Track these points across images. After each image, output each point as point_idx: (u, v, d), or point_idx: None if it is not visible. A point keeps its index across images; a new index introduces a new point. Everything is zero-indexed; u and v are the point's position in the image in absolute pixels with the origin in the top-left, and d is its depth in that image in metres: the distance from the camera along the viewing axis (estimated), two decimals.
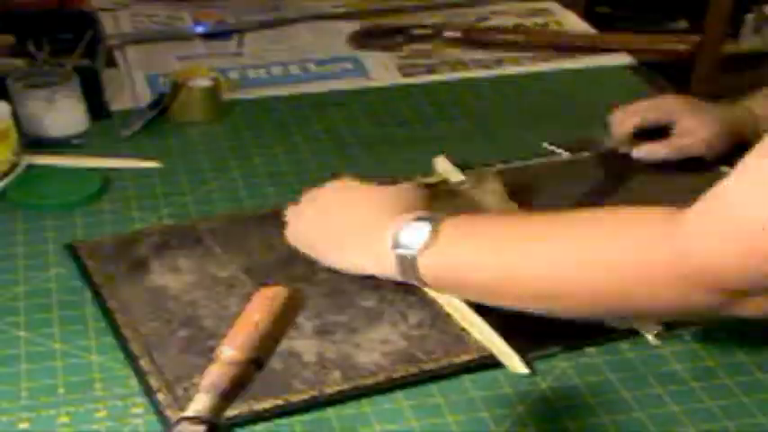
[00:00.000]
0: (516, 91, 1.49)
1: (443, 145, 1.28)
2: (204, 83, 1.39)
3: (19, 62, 1.45)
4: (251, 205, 1.18)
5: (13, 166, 1.23)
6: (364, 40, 1.63)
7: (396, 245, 0.95)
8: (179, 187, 1.22)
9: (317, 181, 1.21)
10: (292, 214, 1.06)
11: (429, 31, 1.65)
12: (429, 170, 1.22)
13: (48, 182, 1.23)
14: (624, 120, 1.25)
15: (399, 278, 0.97)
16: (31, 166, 1.25)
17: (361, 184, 1.05)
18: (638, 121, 1.24)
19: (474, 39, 1.60)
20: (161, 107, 1.38)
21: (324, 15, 1.77)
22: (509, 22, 1.75)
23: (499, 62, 1.58)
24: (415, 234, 0.94)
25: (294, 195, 1.18)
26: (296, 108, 1.43)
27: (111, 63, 1.55)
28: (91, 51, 1.45)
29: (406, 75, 1.55)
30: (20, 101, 1.31)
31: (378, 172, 1.22)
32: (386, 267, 0.97)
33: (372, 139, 1.33)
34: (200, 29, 1.71)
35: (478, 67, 1.57)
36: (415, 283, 0.96)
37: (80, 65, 1.39)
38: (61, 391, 0.90)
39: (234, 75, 1.54)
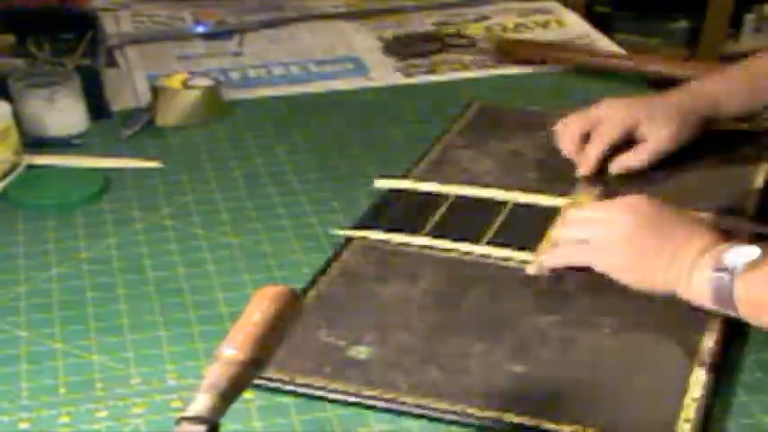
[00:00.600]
0: (516, 90, 1.48)
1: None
2: (194, 86, 1.38)
3: (19, 62, 1.45)
4: (252, 205, 1.18)
5: (14, 165, 1.23)
6: (397, 47, 1.63)
7: (718, 267, 0.90)
8: (179, 187, 1.22)
9: (318, 181, 1.22)
10: (598, 230, 1.01)
11: (463, 42, 1.64)
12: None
13: (48, 182, 1.23)
14: (589, 153, 1.19)
15: (709, 303, 0.91)
16: (31, 166, 1.25)
17: (658, 206, 1.00)
18: (603, 150, 1.19)
19: (505, 50, 1.59)
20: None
21: (324, 15, 1.77)
22: (509, 21, 1.75)
23: (499, 62, 1.58)
24: (741, 256, 0.90)
25: (295, 196, 1.19)
26: (296, 108, 1.43)
27: (112, 63, 1.55)
28: (91, 51, 1.45)
29: (406, 75, 1.55)
30: (20, 101, 1.31)
31: (378, 172, 1.23)
32: (698, 292, 0.92)
33: (372, 138, 1.33)
34: (200, 29, 1.71)
35: (478, 67, 1.57)
36: (728, 311, 0.90)
37: (80, 65, 1.39)
38: (62, 391, 0.90)
39: (234, 75, 1.54)
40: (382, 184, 1.19)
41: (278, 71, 1.56)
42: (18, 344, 0.96)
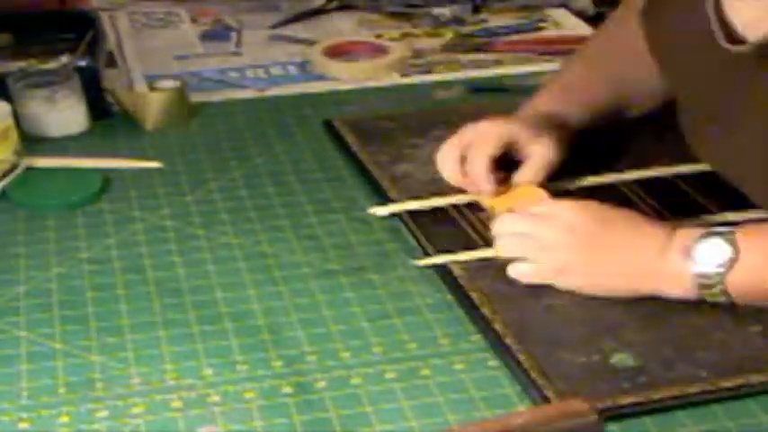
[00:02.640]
0: (516, 90, 1.48)
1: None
2: (164, 87, 1.38)
3: (19, 62, 1.45)
4: (252, 205, 1.18)
5: (14, 165, 1.23)
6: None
7: (692, 263, 0.93)
8: (179, 187, 1.22)
9: (318, 181, 1.22)
10: (534, 251, 1.00)
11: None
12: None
13: (48, 182, 1.23)
14: (471, 174, 1.13)
15: (690, 296, 0.94)
16: (31, 167, 1.25)
17: (591, 203, 1.01)
18: (486, 166, 1.12)
19: None
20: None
21: (320, 9, 1.77)
22: (507, 21, 1.74)
23: (499, 62, 1.58)
24: (712, 251, 0.93)
25: (295, 196, 1.19)
26: (296, 108, 1.43)
27: (112, 63, 1.55)
28: (91, 51, 1.45)
29: (405, 75, 1.55)
30: (20, 101, 1.31)
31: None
32: (674, 286, 0.95)
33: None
34: (198, 29, 1.71)
35: (477, 67, 1.57)
36: (719, 300, 0.94)
37: (80, 65, 1.39)
38: (62, 390, 0.90)
39: (233, 74, 1.54)
40: (380, 210, 1.16)
41: (276, 71, 1.56)
42: (18, 344, 0.96)
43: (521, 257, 1.00)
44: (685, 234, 0.95)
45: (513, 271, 1.01)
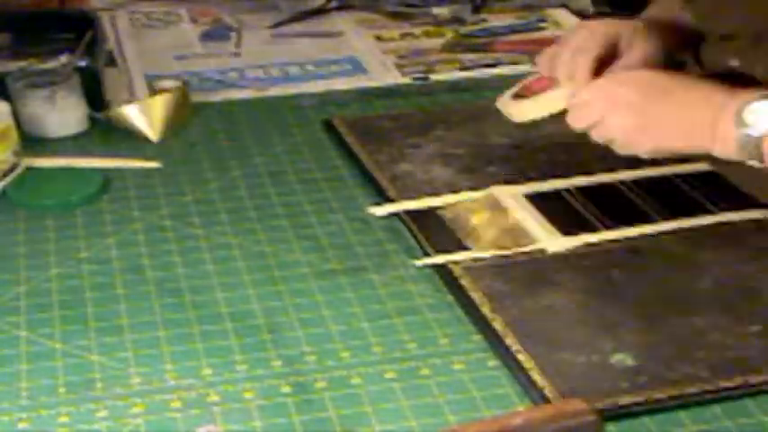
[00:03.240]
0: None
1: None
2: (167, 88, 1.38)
3: (19, 62, 1.45)
4: (252, 205, 1.18)
5: (14, 165, 1.23)
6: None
7: (740, 124, 0.96)
8: (179, 187, 1.22)
9: (318, 181, 1.22)
10: (606, 113, 1.04)
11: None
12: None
13: (48, 182, 1.23)
14: (578, 62, 1.13)
15: (736, 157, 0.98)
16: (31, 167, 1.25)
17: (647, 72, 1.07)
18: (593, 58, 1.14)
19: None
20: None
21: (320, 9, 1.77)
22: (506, 21, 1.75)
23: (498, 62, 1.58)
24: (761, 113, 0.95)
25: (295, 196, 1.19)
26: (296, 108, 1.43)
27: (112, 63, 1.55)
28: (91, 51, 1.45)
29: (405, 75, 1.55)
30: (20, 101, 1.31)
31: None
32: (725, 147, 0.98)
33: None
34: (198, 29, 1.71)
35: (477, 67, 1.57)
36: (755, 162, 0.97)
37: (80, 65, 1.39)
38: (61, 390, 0.90)
39: (233, 74, 1.54)
40: (379, 210, 1.16)
41: (276, 71, 1.56)
42: (18, 344, 0.96)
43: (592, 125, 1.05)
44: (740, 98, 0.97)
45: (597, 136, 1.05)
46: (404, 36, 1.69)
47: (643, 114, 1.02)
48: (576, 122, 1.07)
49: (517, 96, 1.19)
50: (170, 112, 1.35)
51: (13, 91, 1.31)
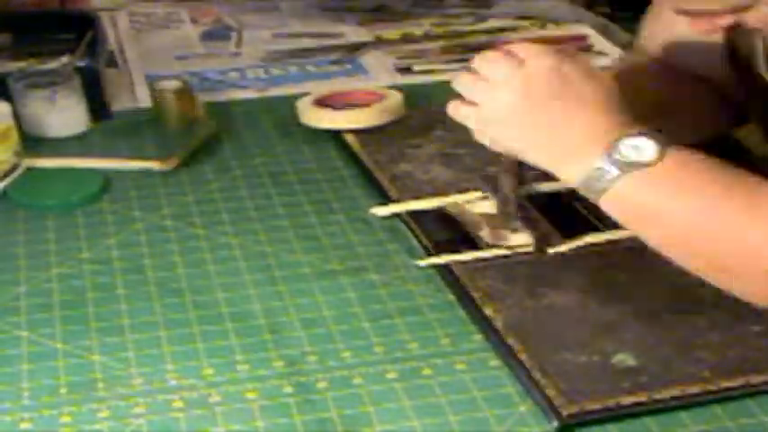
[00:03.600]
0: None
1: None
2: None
3: (19, 62, 1.45)
4: (252, 205, 1.18)
5: (14, 166, 1.23)
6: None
7: (609, 156, 0.87)
8: (180, 187, 1.22)
9: (318, 181, 1.22)
10: (481, 92, 0.95)
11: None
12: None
13: (48, 182, 1.23)
14: None
15: (580, 188, 0.91)
16: (31, 167, 1.25)
17: (567, 64, 0.93)
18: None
19: None
20: None
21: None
22: (506, 23, 1.75)
23: None
24: (632, 150, 0.87)
25: (295, 196, 1.19)
26: (296, 108, 1.43)
27: (112, 63, 1.55)
28: (91, 51, 1.45)
29: (405, 75, 1.55)
30: (20, 101, 1.31)
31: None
32: (571, 173, 0.91)
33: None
34: (198, 29, 1.71)
35: None
36: (592, 198, 0.90)
37: (80, 65, 1.39)
38: (63, 391, 0.90)
39: (233, 74, 1.55)
40: (381, 211, 1.16)
41: (277, 71, 1.56)
42: (19, 344, 0.96)
43: (467, 95, 0.97)
44: (620, 128, 0.89)
45: (453, 109, 0.97)
46: (404, 36, 1.69)
47: (533, 105, 0.93)
48: (460, 79, 0.98)
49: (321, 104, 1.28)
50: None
51: (13, 91, 1.31)
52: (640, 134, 0.88)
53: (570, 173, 0.92)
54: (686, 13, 0.93)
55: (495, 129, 0.96)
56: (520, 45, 0.96)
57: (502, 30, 1.71)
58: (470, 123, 0.98)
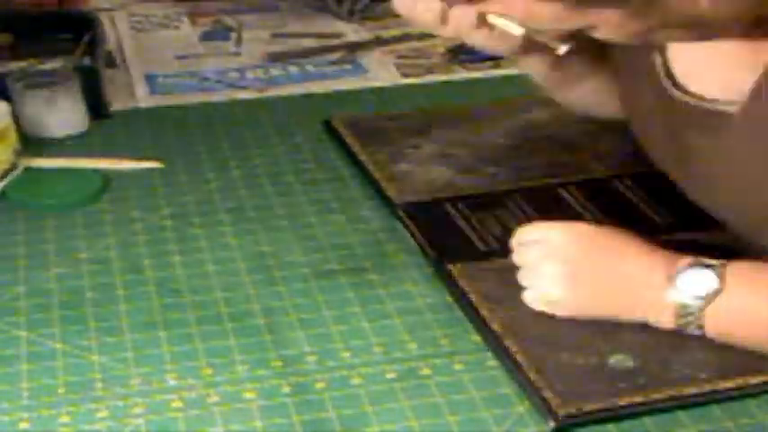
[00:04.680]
0: (516, 91, 1.48)
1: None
2: None
3: (19, 62, 1.45)
4: (252, 205, 1.18)
5: (14, 166, 1.23)
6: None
7: (675, 291, 0.91)
8: (179, 188, 1.22)
9: (318, 181, 1.23)
10: (527, 275, 0.98)
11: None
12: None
13: (48, 182, 1.23)
14: None
15: (671, 326, 0.92)
16: (31, 167, 1.25)
17: (590, 226, 1.01)
18: None
19: None
20: None
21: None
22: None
23: (497, 63, 1.58)
24: (697, 281, 0.90)
25: (295, 196, 1.19)
26: (296, 108, 1.43)
27: (112, 63, 1.55)
28: (91, 51, 1.45)
29: (405, 75, 1.55)
30: (20, 101, 1.31)
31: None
32: (659, 314, 0.92)
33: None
34: (198, 29, 1.71)
35: (478, 68, 1.57)
36: (693, 331, 0.91)
37: (80, 65, 1.39)
38: (62, 391, 0.90)
39: (233, 75, 1.55)
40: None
41: (276, 71, 1.56)
42: (18, 344, 0.96)
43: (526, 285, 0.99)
44: (672, 262, 0.92)
45: (526, 298, 0.99)
46: (404, 36, 1.69)
47: (576, 265, 0.96)
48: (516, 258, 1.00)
49: None
50: None
51: (12, 91, 1.31)
52: (691, 266, 0.91)
53: (651, 315, 0.93)
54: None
55: (560, 303, 0.96)
56: (530, 229, 1.00)
57: None
58: (542, 307, 0.97)
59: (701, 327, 0.91)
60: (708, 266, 0.91)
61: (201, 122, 1.39)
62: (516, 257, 1.00)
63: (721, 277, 0.90)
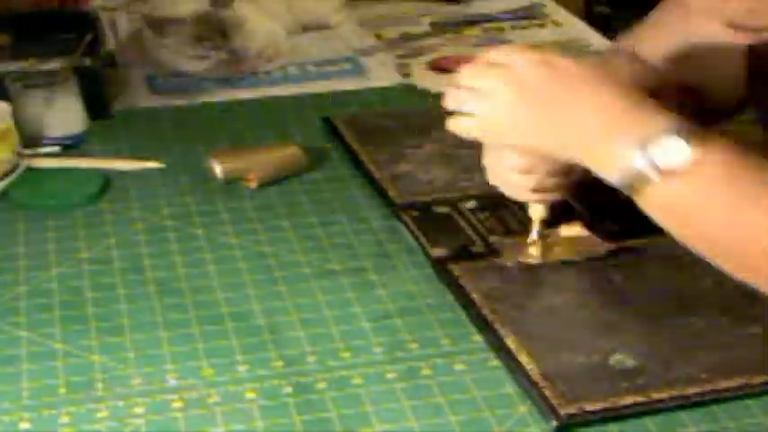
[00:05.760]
0: None
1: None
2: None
3: (19, 62, 1.44)
4: (252, 206, 1.18)
5: (14, 166, 1.23)
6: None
7: (639, 158, 0.83)
8: (180, 188, 1.22)
9: (318, 181, 1.23)
10: (477, 103, 0.92)
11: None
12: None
13: (48, 182, 1.23)
14: None
15: (615, 183, 0.86)
16: (31, 167, 1.25)
17: (563, 58, 0.90)
18: None
19: None
20: None
21: None
22: (504, 22, 1.75)
23: None
24: (666, 153, 0.82)
25: (295, 196, 1.19)
26: (296, 108, 1.43)
27: (112, 63, 1.55)
28: (91, 51, 1.45)
29: (405, 75, 1.55)
30: (19, 101, 1.31)
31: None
32: (610, 169, 0.86)
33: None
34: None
35: None
36: (628, 193, 0.86)
37: (80, 65, 1.39)
38: (62, 391, 0.90)
39: (233, 74, 1.54)
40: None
41: (276, 71, 1.56)
42: (19, 344, 0.96)
43: (463, 109, 0.93)
44: (647, 121, 0.85)
45: (453, 125, 0.94)
46: (404, 36, 1.69)
47: (535, 97, 0.89)
48: (451, 96, 0.95)
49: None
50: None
51: (12, 91, 1.31)
52: (667, 133, 0.84)
53: (599, 163, 0.88)
54: (739, 27, 0.92)
55: (502, 133, 0.93)
56: (497, 51, 0.94)
57: (501, 29, 1.71)
58: (475, 134, 0.95)
59: (638, 193, 0.85)
60: (680, 135, 0.83)
61: (201, 122, 1.39)
62: (468, 77, 0.93)
63: (694, 158, 0.82)
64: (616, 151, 0.86)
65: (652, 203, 0.86)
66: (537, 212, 1.05)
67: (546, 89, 0.90)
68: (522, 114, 0.91)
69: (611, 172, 0.87)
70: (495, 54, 0.94)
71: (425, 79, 1.48)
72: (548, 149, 0.93)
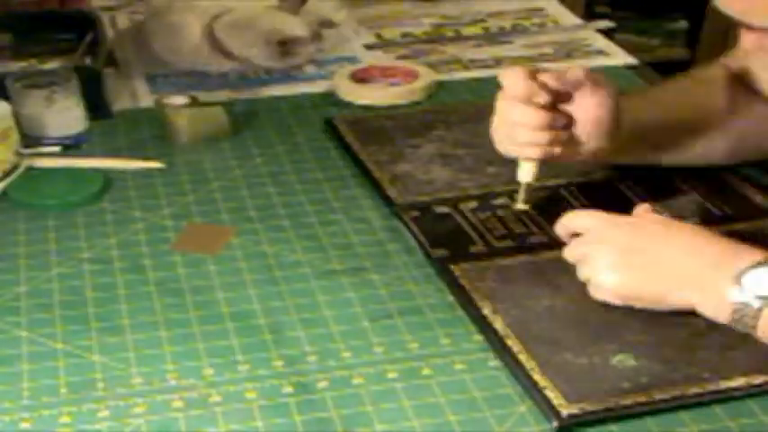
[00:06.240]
0: None
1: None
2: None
3: (19, 62, 1.45)
4: (252, 205, 1.18)
5: (14, 166, 1.23)
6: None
7: (739, 290, 0.90)
8: (180, 187, 1.22)
9: (318, 181, 1.23)
10: (589, 262, 0.98)
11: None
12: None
13: (49, 182, 1.23)
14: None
15: (726, 322, 0.91)
16: (31, 167, 1.25)
17: (656, 217, 1.00)
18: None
19: None
20: None
21: None
22: (505, 22, 1.75)
23: (498, 62, 1.58)
24: (762, 281, 0.89)
25: (295, 196, 1.19)
26: (297, 108, 1.43)
27: (112, 63, 1.55)
28: (91, 51, 1.45)
29: None
30: (20, 101, 1.31)
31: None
32: (717, 311, 0.92)
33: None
34: None
35: (478, 67, 1.57)
36: (743, 329, 0.91)
37: (80, 65, 1.39)
38: (63, 390, 0.90)
39: (233, 74, 1.54)
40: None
41: (276, 71, 1.56)
42: (19, 344, 0.96)
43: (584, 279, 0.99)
44: (736, 257, 0.91)
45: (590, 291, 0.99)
46: (404, 36, 1.69)
47: (633, 254, 0.96)
48: (567, 254, 1.01)
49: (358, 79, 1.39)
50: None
51: (12, 91, 1.31)
52: (760, 265, 0.90)
53: (708, 306, 0.93)
54: None
55: (615, 274, 0.96)
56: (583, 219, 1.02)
57: (501, 29, 1.72)
58: (592, 282, 0.99)
59: (753, 327, 0.90)
60: None
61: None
62: (568, 254, 1.01)
63: None
64: (722, 288, 0.91)
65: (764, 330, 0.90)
66: (526, 175, 1.10)
67: (641, 247, 0.96)
68: (626, 272, 0.96)
69: (720, 314, 0.92)
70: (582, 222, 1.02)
71: (349, 91, 1.46)
72: (654, 303, 0.96)
